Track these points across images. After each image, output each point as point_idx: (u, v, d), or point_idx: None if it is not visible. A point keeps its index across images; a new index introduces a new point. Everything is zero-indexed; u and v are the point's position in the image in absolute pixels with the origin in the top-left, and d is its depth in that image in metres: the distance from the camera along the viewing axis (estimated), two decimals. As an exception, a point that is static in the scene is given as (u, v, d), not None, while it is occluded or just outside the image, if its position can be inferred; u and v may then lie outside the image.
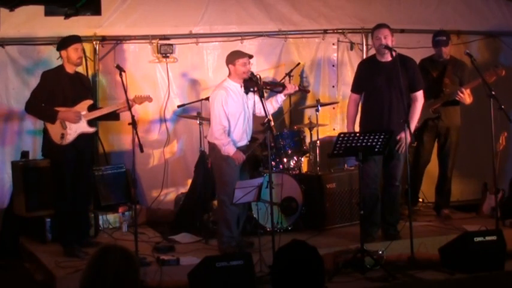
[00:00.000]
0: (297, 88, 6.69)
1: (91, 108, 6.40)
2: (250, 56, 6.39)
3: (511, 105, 7.18)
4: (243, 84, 6.34)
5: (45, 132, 6.26)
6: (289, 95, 7.14)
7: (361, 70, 6.80)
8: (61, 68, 6.33)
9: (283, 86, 6.60)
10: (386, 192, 6.69)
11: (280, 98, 6.54)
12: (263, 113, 6.10)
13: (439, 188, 7.66)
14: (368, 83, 6.64)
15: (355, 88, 6.82)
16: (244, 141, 6.37)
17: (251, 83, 6.33)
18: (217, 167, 6.39)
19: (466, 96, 7.15)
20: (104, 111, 6.52)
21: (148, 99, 6.61)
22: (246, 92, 6.37)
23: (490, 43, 8.78)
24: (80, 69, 7.40)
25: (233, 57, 6.32)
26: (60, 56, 6.33)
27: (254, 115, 6.52)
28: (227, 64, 6.36)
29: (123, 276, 2.84)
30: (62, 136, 6.19)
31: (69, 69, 6.32)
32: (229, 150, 6.21)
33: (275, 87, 6.67)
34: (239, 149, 6.30)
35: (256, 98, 6.40)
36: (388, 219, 6.68)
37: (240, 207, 6.30)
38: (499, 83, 7.07)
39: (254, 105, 6.46)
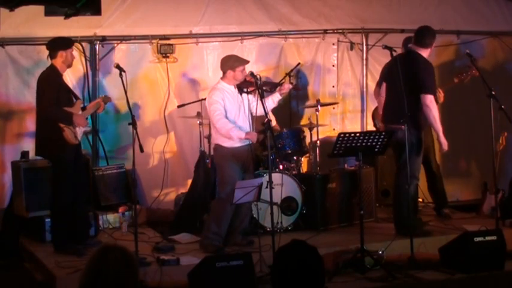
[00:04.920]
0: (291, 86, 6.79)
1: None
2: (248, 62, 6.44)
3: (511, 105, 7.17)
4: (236, 86, 6.38)
5: (58, 133, 6.10)
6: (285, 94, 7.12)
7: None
8: (55, 68, 6.22)
9: (280, 85, 6.63)
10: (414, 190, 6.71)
11: (276, 98, 6.59)
12: (259, 113, 6.15)
13: (430, 187, 7.62)
14: None
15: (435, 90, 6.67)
16: (245, 141, 6.36)
17: (245, 84, 6.36)
18: (219, 167, 6.46)
19: (441, 96, 7.13)
20: (90, 110, 6.56)
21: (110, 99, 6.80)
22: (240, 93, 6.41)
23: (490, 43, 8.78)
24: (80, 69, 7.44)
25: (234, 64, 6.33)
26: (54, 56, 6.20)
27: (253, 115, 6.53)
28: (226, 69, 6.36)
29: (123, 276, 2.84)
30: (75, 136, 6.22)
31: (62, 70, 6.28)
32: (238, 134, 6.24)
33: (272, 86, 6.71)
34: (241, 148, 6.31)
35: (251, 97, 6.47)
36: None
37: (242, 208, 6.33)
38: (498, 83, 7.06)
39: (250, 105, 6.47)
